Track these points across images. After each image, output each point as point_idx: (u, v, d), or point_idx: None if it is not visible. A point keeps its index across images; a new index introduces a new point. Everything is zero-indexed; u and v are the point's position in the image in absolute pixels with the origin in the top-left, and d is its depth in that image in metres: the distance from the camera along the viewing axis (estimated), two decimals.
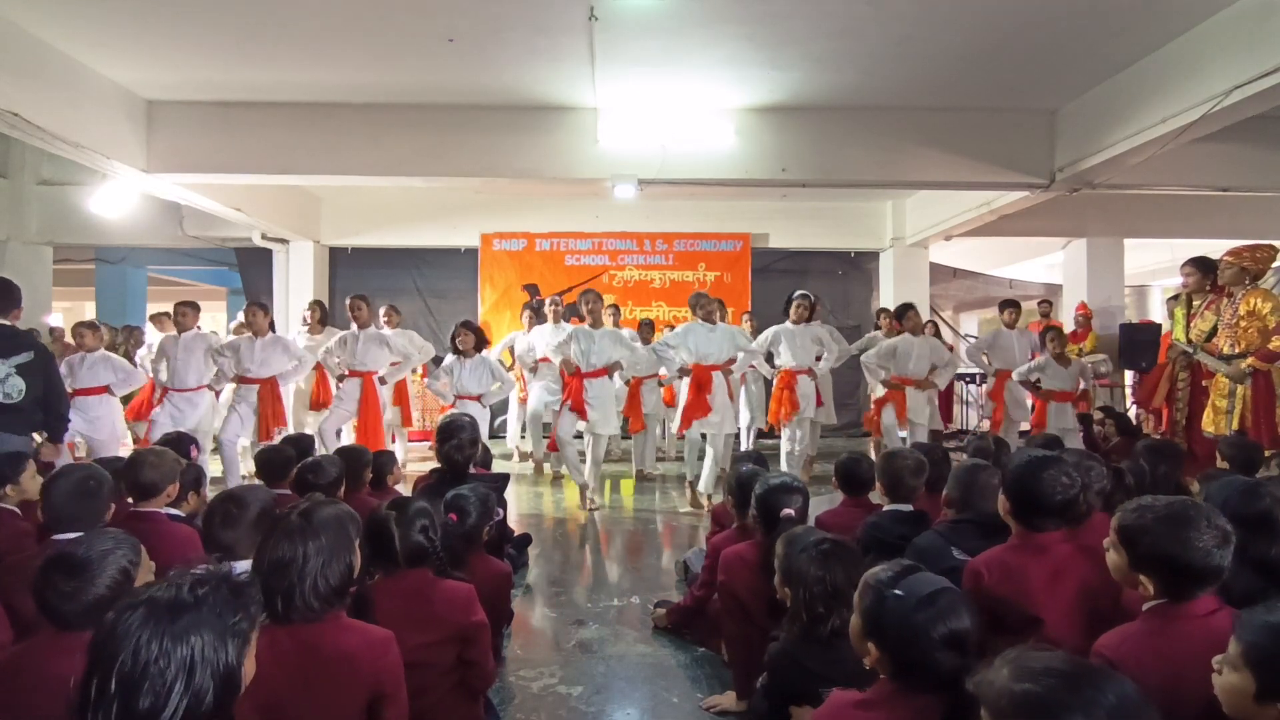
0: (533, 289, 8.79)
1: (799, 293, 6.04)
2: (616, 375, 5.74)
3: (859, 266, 9.59)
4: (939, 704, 1.39)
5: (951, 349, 6.92)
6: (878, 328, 7.51)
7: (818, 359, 6.10)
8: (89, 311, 12.27)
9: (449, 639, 2.06)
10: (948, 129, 5.99)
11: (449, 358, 5.79)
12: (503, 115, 5.94)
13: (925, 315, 8.44)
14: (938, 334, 8.24)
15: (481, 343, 5.78)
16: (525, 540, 4.33)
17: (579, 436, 5.56)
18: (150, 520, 2.55)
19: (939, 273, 9.78)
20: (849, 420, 8.91)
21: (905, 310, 6.03)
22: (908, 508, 2.72)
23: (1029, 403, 6.35)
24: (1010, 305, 6.70)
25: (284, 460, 3.50)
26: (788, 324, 5.97)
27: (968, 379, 9.16)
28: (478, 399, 5.64)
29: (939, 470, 3.01)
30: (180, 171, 6.00)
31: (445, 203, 8.85)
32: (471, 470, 3.46)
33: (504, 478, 3.84)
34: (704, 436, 5.44)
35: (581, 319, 5.64)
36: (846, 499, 3.08)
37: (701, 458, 5.54)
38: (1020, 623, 1.93)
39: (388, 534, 2.08)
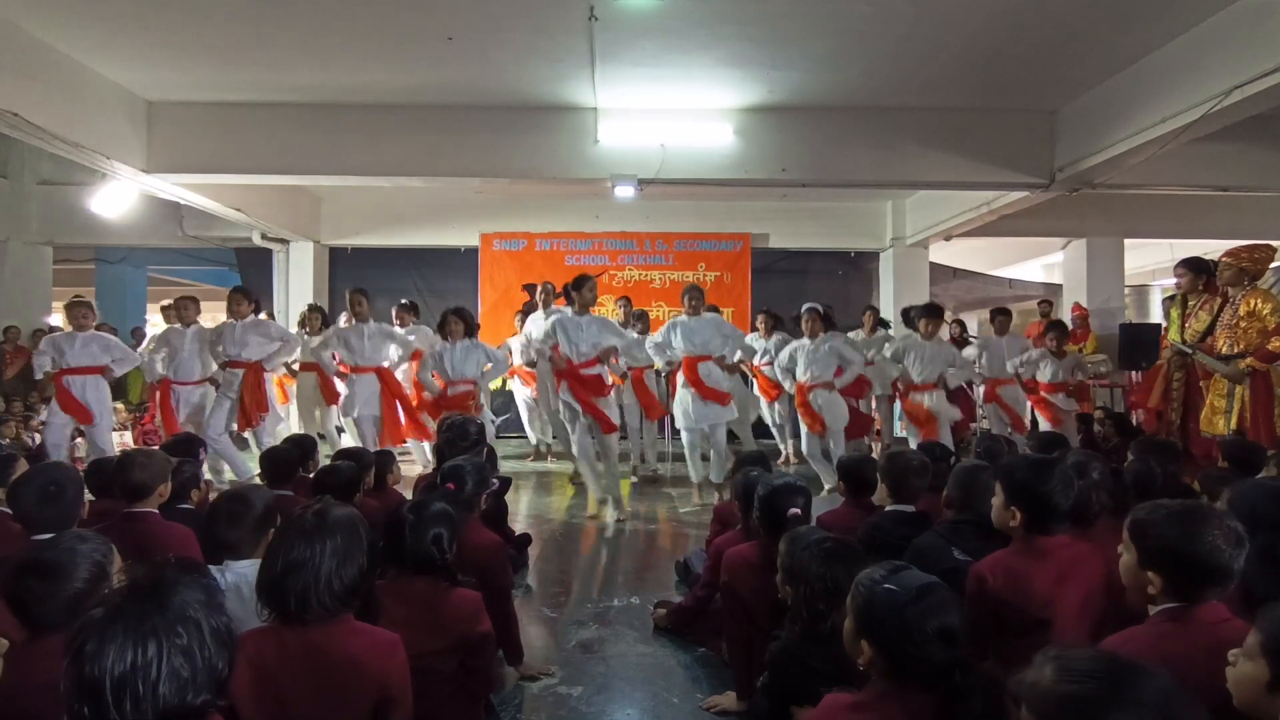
0: (533, 289, 8.76)
1: (807, 306, 5.88)
2: (610, 366, 5.68)
3: (859, 266, 9.59)
4: (931, 703, 1.40)
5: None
6: (860, 326, 7.51)
7: (838, 373, 5.87)
8: None
9: (454, 647, 2.05)
10: (948, 129, 6.00)
11: (436, 344, 5.74)
12: (503, 115, 5.94)
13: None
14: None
15: (471, 330, 5.69)
16: (525, 540, 4.33)
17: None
18: (144, 521, 2.54)
19: (939, 273, 9.79)
20: None
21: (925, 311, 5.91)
22: (910, 509, 2.72)
23: (1026, 405, 6.34)
24: (1001, 314, 6.69)
25: (287, 460, 3.51)
26: (804, 339, 5.84)
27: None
28: (473, 383, 5.55)
29: (940, 469, 3.00)
30: (180, 171, 6.01)
31: (445, 203, 8.86)
32: None
33: (505, 481, 3.85)
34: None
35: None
36: (849, 499, 3.08)
37: (705, 457, 5.52)
38: (1026, 626, 1.93)
39: (403, 536, 2.08)
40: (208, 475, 4.81)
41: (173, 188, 6.34)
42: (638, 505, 5.70)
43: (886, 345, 6.25)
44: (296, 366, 6.63)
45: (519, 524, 4.94)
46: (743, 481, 2.97)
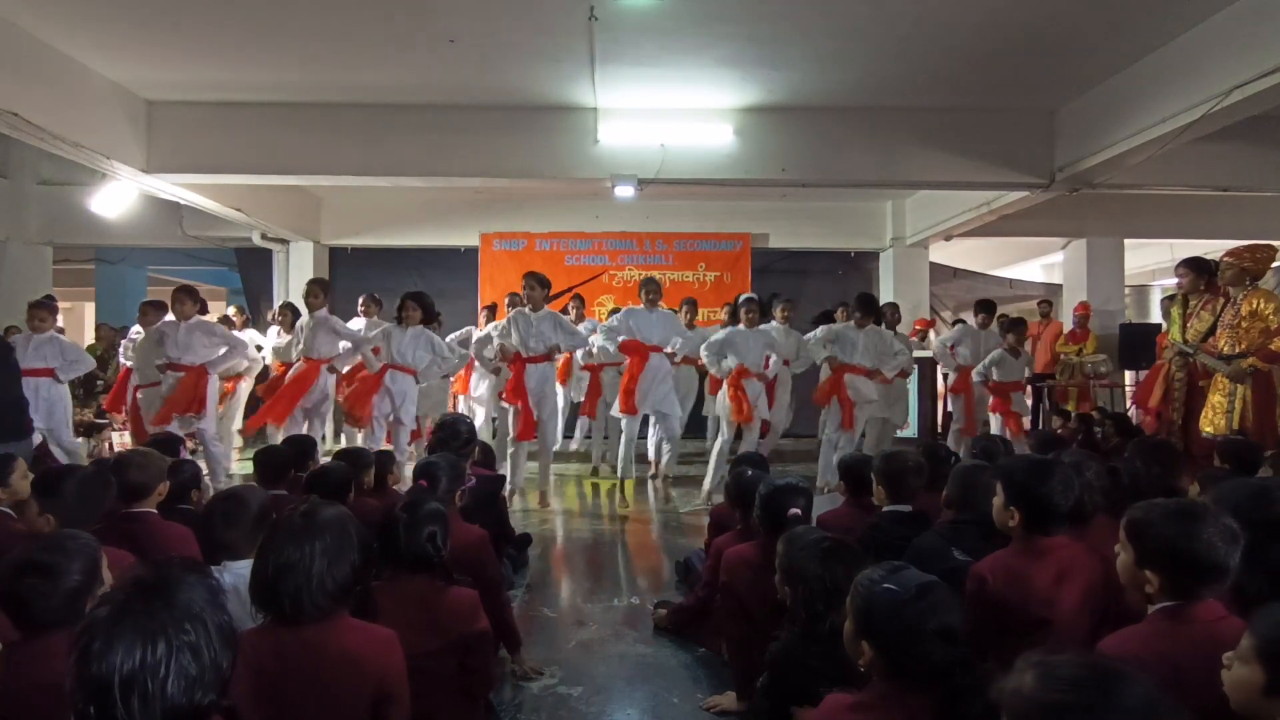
0: None
1: (744, 296, 5.97)
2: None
3: (859, 266, 9.58)
4: (931, 703, 1.40)
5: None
6: (833, 321, 7.51)
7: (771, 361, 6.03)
8: (89, 311, 12.27)
9: (451, 646, 2.05)
10: (948, 129, 5.99)
11: (388, 324, 5.61)
12: (503, 115, 5.94)
13: (919, 314, 8.48)
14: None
15: (429, 319, 5.63)
16: (525, 540, 4.33)
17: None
18: (143, 521, 2.54)
19: (939, 273, 9.79)
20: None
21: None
22: (907, 508, 2.71)
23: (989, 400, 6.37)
24: (984, 306, 6.67)
25: (282, 461, 3.50)
26: (740, 326, 5.84)
27: None
28: (413, 373, 5.44)
29: (941, 469, 2.99)
30: (180, 171, 6.01)
31: (445, 203, 8.85)
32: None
33: (501, 479, 3.85)
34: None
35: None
36: (849, 499, 3.08)
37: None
38: (1027, 625, 1.94)
39: (397, 536, 2.08)
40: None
41: (173, 188, 6.33)
42: (638, 505, 5.70)
43: (818, 330, 6.32)
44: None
45: (519, 524, 4.93)
46: (740, 481, 2.97)
